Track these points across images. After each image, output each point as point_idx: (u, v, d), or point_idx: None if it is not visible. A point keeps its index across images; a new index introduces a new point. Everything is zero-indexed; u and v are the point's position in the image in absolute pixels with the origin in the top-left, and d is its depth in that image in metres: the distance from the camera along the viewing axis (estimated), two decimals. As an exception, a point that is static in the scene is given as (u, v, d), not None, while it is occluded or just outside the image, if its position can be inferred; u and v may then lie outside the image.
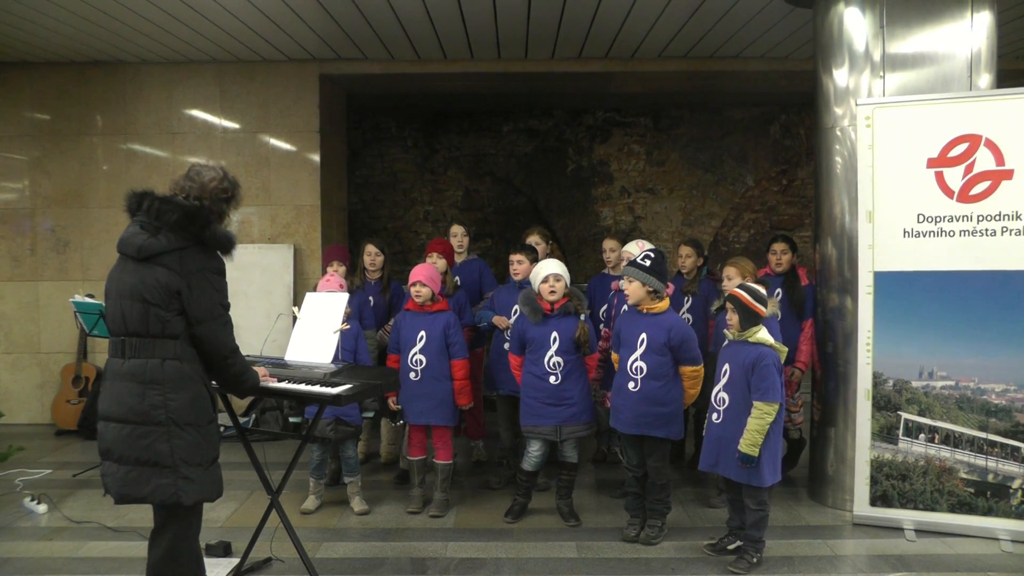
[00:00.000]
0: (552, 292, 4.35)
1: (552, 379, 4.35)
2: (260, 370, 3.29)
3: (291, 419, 4.97)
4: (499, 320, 4.98)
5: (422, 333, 4.58)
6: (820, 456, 4.85)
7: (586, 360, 4.47)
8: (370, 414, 4.76)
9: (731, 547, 4.02)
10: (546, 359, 4.36)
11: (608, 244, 5.52)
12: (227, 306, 2.92)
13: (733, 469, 3.80)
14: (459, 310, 4.96)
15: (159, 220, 2.77)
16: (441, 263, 5.06)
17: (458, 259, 5.50)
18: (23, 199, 7.04)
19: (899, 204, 4.35)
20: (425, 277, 4.60)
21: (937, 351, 4.34)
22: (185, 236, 2.78)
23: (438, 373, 4.58)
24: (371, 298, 5.36)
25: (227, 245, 2.88)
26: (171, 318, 2.77)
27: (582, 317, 4.39)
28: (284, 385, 3.42)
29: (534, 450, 4.45)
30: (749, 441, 3.70)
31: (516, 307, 4.74)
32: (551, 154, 9.45)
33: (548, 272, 4.38)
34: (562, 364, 4.34)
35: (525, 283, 4.74)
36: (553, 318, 4.38)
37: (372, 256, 5.41)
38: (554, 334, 4.35)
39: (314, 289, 5.02)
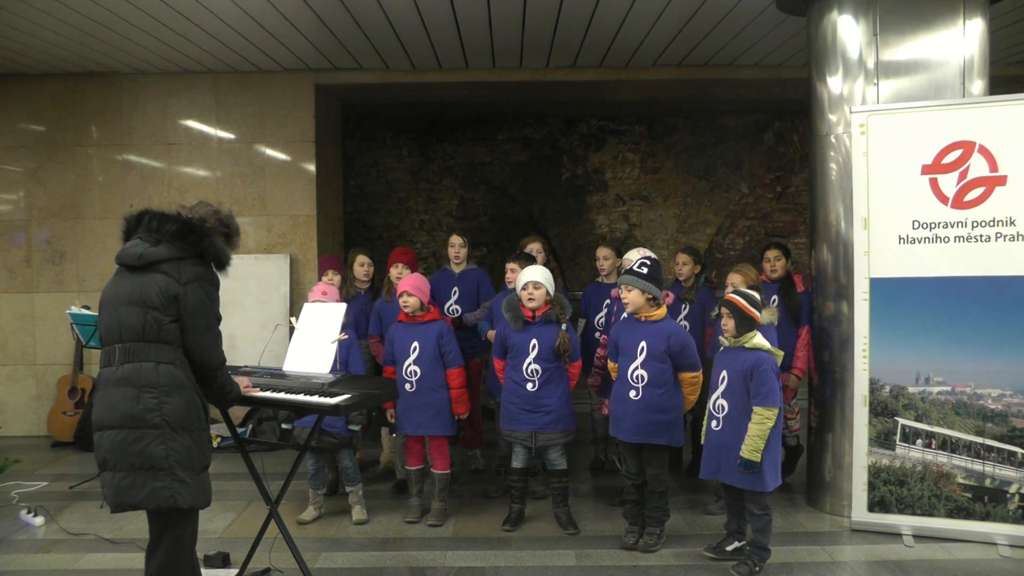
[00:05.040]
0: (530, 299, 4.36)
1: (529, 386, 4.37)
2: (241, 380, 3.34)
3: (283, 425, 4.94)
4: (493, 335, 4.97)
5: (415, 344, 4.57)
6: (818, 462, 4.86)
7: (568, 368, 4.47)
8: (356, 427, 4.69)
9: (730, 548, 4.02)
10: (524, 366, 4.38)
11: (602, 252, 5.52)
12: (219, 318, 2.99)
13: (735, 476, 3.80)
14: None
15: (159, 232, 2.86)
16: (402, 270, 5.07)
17: (457, 269, 5.51)
18: (18, 211, 7.02)
19: (894, 210, 4.37)
20: (412, 287, 4.58)
21: (933, 357, 4.35)
22: (183, 247, 2.86)
23: (434, 383, 4.57)
24: (362, 308, 5.36)
25: (223, 259, 2.97)
26: (167, 323, 2.81)
27: (563, 326, 4.39)
28: (283, 395, 3.42)
29: (518, 450, 4.51)
30: (751, 447, 3.70)
31: None
32: (546, 162, 9.47)
33: (527, 279, 4.38)
34: (540, 372, 4.36)
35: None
36: (534, 325, 4.39)
37: (366, 267, 5.43)
38: (533, 341, 4.36)
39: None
